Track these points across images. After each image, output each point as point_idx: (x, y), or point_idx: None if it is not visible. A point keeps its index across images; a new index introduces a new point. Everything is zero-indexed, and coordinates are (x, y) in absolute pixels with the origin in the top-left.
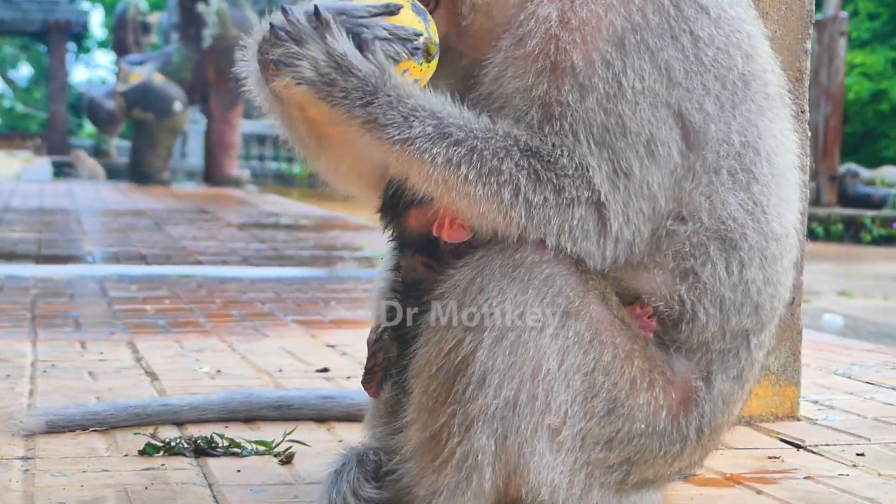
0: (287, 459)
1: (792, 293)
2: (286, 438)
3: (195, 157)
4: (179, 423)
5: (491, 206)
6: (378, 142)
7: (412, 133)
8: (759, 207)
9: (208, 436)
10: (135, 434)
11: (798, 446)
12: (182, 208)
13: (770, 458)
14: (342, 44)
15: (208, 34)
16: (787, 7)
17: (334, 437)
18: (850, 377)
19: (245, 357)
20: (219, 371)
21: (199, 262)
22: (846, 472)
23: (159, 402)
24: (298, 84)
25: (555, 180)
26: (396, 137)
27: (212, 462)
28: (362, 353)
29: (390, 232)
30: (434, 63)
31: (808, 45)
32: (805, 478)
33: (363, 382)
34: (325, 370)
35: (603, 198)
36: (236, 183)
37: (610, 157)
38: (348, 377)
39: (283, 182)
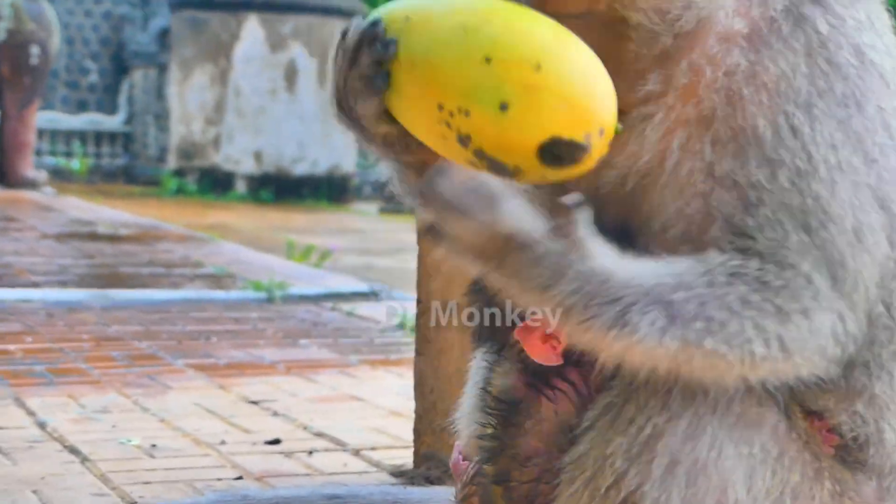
0: None
1: None
2: None
3: None
4: None
5: (744, 365)
6: (582, 336)
7: (636, 333)
8: None
9: None
10: None
11: None
12: None
13: None
14: (517, 214)
15: (2, 28)
16: None
17: None
18: None
19: (164, 420)
20: (153, 445)
21: (37, 285)
22: None
23: None
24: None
25: (797, 307)
26: (609, 327)
27: None
28: (296, 411)
29: (486, 342)
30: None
31: None
32: None
33: None
34: (277, 441)
35: (835, 297)
36: (32, 185)
37: (822, 247)
38: (310, 452)
39: (61, 177)
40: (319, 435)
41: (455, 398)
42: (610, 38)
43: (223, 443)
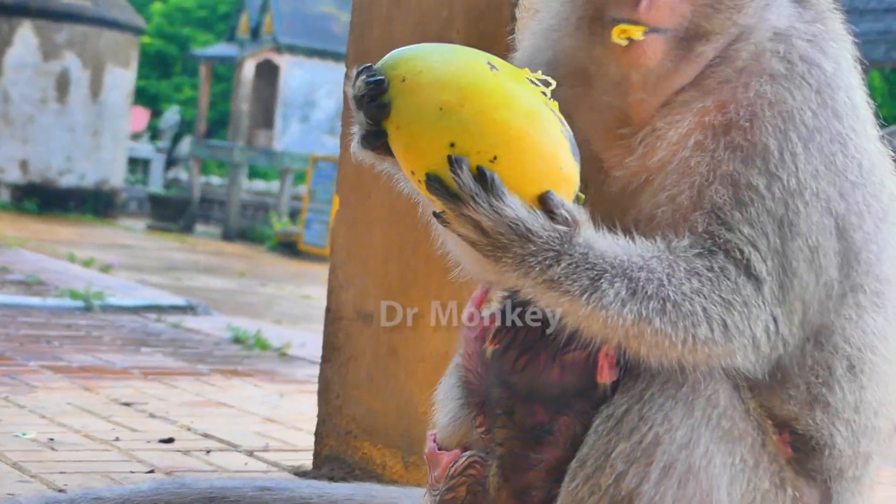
0: None
1: None
2: None
3: None
4: None
5: (685, 346)
6: (558, 300)
7: (603, 298)
8: (889, 329)
9: None
10: None
11: None
12: None
13: None
14: (514, 207)
15: None
16: None
17: None
18: None
19: (46, 417)
20: (51, 439)
21: None
22: None
23: (91, 495)
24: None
25: (741, 299)
26: (583, 300)
27: None
28: (173, 414)
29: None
30: None
31: None
32: None
33: None
34: (171, 440)
35: (776, 301)
36: None
37: (783, 255)
38: (207, 451)
39: None
40: (207, 436)
41: (364, 403)
42: (681, 51)
43: (118, 440)
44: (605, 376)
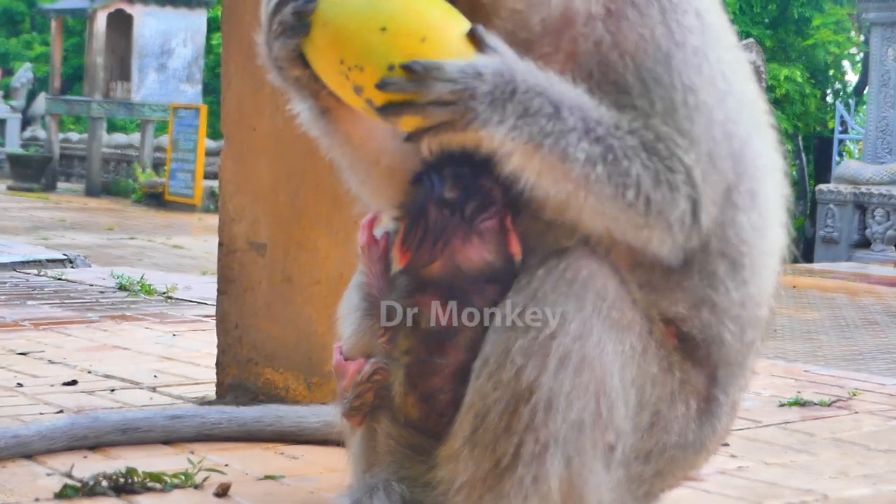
0: (223, 491)
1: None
2: (200, 468)
3: None
4: (29, 456)
5: (615, 204)
6: (531, 135)
7: (565, 126)
8: (763, 224)
9: (122, 470)
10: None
11: None
12: None
13: None
14: (457, 64)
15: None
16: None
17: (243, 465)
18: None
19: None
20: None
21: None
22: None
23: (9, 433)
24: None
25: (670, 178)
26: (549, 129)
27: (141, 500)
28: (71, 360)
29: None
30: None
31: None
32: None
33: (347, 416)
34: (74, 382)
35: (697, 192)
36: None
37: (698, 153)
38: (111, 390)
39: None
40: (108, 377)
41: (264, 331)
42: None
43: (20, 385)
44: (516, 247)
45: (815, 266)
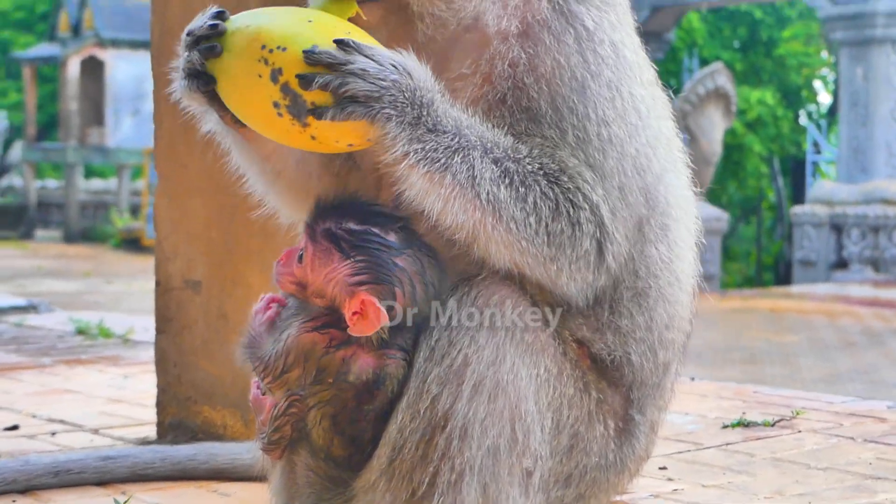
0: None
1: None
2: None
3: None
4: None
5: (519, 233)
6: (434, 152)
7: (468, 143)
8: (672, 255)
9: None
10: None
11: None
12: None
13: None
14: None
15: None
16: None
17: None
18: None
19: None
20: None
21: None
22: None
23: None
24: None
25: (571, 212)
26: (448, 144)
27: None
28: (18, 404)
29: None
30: None
31: None
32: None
33: (266, 450)
34: (16, 427)
35: (604, 230)
36: None
37: (606, 190)
38: (52, 433)
39: None
40: (52, 420)
41: (202, 369)
42: (403, 22)
43: None
44: (382, 319)
45: (793, 289)
